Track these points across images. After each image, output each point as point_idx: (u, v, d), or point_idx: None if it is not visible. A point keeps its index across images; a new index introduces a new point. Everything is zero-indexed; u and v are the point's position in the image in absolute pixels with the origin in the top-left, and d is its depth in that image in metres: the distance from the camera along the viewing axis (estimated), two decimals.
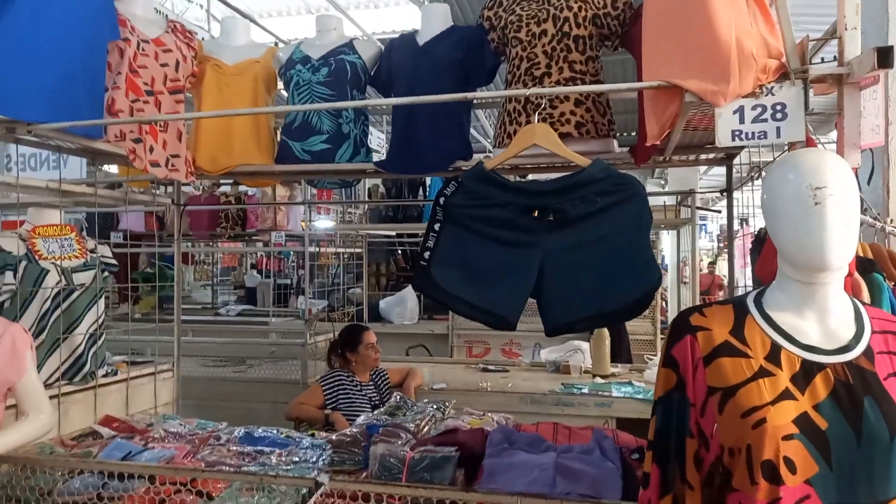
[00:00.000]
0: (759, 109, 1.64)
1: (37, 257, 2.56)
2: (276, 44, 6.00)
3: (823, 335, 1.21)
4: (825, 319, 1.22)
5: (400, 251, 7.83)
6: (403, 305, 6.32)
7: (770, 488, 1.11)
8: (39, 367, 2.38)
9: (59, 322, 2.53)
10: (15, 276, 2.49)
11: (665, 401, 1.28)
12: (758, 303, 1.28)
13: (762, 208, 1.29)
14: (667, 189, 9.81)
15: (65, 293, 2.57)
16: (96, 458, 2.09)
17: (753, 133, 1.64)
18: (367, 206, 6.30)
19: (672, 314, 6.32)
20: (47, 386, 2.36)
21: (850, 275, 1.49)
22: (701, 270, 10.48)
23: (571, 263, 1.86)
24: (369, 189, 6.73)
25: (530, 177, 3.17)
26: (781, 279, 1.27)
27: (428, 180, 6.65)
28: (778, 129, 1.62)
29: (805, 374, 1.17)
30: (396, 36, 2.91)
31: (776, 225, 1.24)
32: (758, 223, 2.31)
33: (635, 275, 1.82)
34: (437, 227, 2.00)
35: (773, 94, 1.64)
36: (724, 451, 1.18)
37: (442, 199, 2.00)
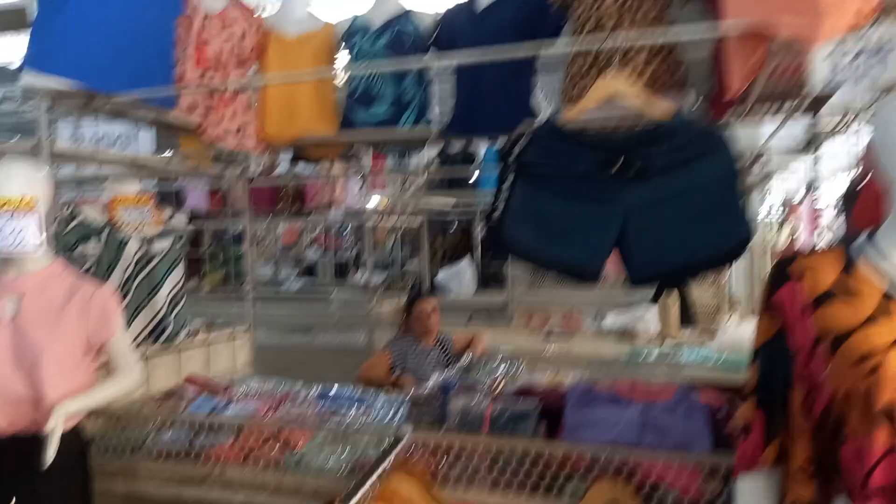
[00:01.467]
0: (858, 49, 1.54)
1: (116, 226, 2.67)
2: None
3: None
4: None
5: (457, 223, 7.82)
6: (460, 277, 6.34)
7: (889, 433, 1.07)
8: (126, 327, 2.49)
9: (142, 287, 2.63)
10: (97, 244, 2.60)
11: (767, 348, 1.25)
12: (866, 248, 1.22)
13: (871, 147, 1.23)
14: None
15: (145, 259, 2.66)
16: (184, 412, 2.18)
17: (851, 76, 1.55)
18: (425, 178, 6.31)
19: (736, 284, 6.14)
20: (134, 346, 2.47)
21: None
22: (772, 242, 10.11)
23: (655, 217, 1.80)
24: (427, 160, 6.72)
25: None
26: (894, 220, 1.20)
27: (480, 153, 6.61)
28: (879, 69, 1.53)
29: None
30: (453, 5, 2.88)
31: (891, 161, 1.18)
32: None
33: (724, 227, 1.76)
34: (506, 185, 1.92)
35: (869, 34, 1.54)
36: (836, 399, 1.14)
37: (512, 156, 1.93)
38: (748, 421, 1.26)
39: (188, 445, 2.01)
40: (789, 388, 1.21)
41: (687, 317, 4.60)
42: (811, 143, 2.51)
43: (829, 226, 3.63)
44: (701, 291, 5.55)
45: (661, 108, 1.88)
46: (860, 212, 1.69)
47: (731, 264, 1.84)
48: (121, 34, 2.22)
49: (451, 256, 7.33)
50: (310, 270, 8.44)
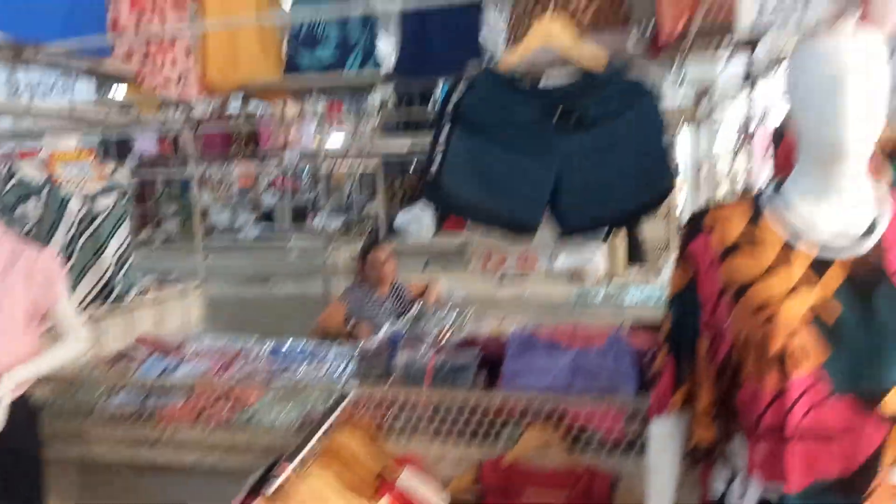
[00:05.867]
0: None
1: (57, 184, 2.60)
2: None
3: (839, 227, 1.19)
4: (842, 210, 1.20)
5: (415, 163, 7.75)
6: (419, 220, 6.34)
7: (780, 378, 1.15)
8: (71, 291, 2.47)
9: (87, 247, 2.60)
10: (38, 204, 2.54)
11: (679, 298, 1.32)
12: (773, 198, 1.27)
13: (784, 95, 1.26)
14: (683, 90, 9.52)
15: (88, 218, 2.62)
16: (135, 374, 2.21)
17: (776, 19, 1.58)
18: (379, 120, 6.21)
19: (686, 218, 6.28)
20: (80, 309, 2.46)
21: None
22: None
23: (588, 166, 1.84)
24: (381, 101, 6.61)
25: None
26: (800, 170, 1.25)
27: (438, 91, 6.51)
28: (801, 13, 1.55)
29: (818, 268, 1.17)
30: None
31: (797, 111, 1.22)
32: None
33: (649, 177, 1.82)
34: (444, 134, 1.88)
35: None
36: (736, 346, 1.22)
37: (451, 104, 1.88)
38: (661, 367, 1.35)
39: (139, 407, 2.05)
40: (697, 336, 1.29)
41: (636, 254, 4.73)
42: (748, 80, 2.55)
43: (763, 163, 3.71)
44: (651, 226, 5.68)
45: (594, 56, 1.88)
46: (782, 159, 1.75)
47: (650, 213, 1.92)
48: None
49: (410, 198, 7.31)
50: (267, 216, 8.35)
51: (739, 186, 3.02)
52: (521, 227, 1.93)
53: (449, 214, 2.06)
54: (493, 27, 2.74)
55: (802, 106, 1.20)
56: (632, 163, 1.82)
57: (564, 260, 4.17)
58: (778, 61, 2.31)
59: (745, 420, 1.21)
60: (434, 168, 1.89)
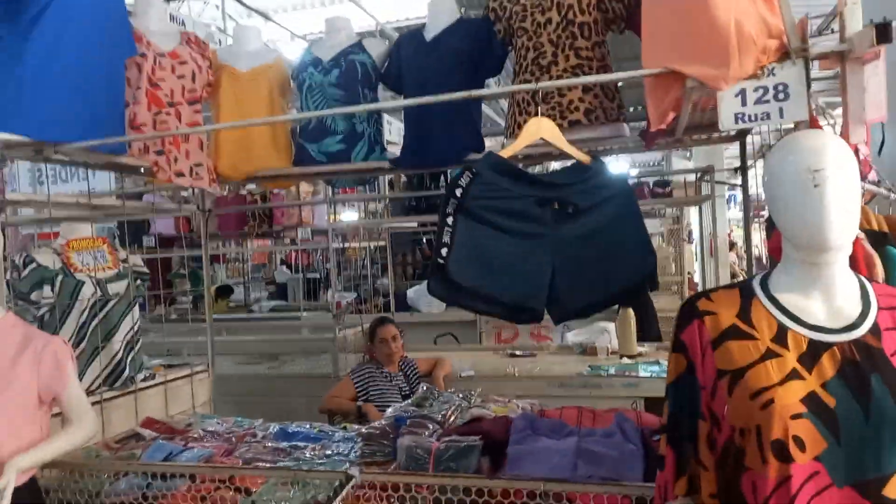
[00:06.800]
0: (761, 91, 1.64)
1: (72, 270, 2.68)
2: (292, 38, 6.08)
3: (829, 314, 1.23)
4: (830, 298, 1.23)
5: (425, 240, 7.89)
6: (429, 294, 6.37)
7: (780, 466, 1.14)
8: (81, 375, 2.50)
9: (98, 331, 2.64)
10: (53, 290, 2.61)
11: (676, 385, 1.32)
12: (764, 285, 1.30)
13: (764, 190, 1.31)
14: (692, 162, 9.69)
15: (101, 303, 2.68)
16: (140, 459, 2.20)
17: (756, 115, 1.65)
18: (388, 199, 6.36)
19: (702, 288, 6.28)
20: (89, 392, 2.47)
21: (858, 250, 1.50)
22: (735, 244, 10.35)
23: (578, 253, 1.92)
24: (391, 180, 6.79)
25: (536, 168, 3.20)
26: (786, 260, 1.29)
27: (449, 170, 6.67)
28: (781, 109, 1.63)
29: (812, 354, 1.19)
30: (404, 32, 2.95)
31: (777, 207, 1.26)
32: None
33: (634, 261, 1.95)
34: (449, 220, 1.95)
35: (774, 75, 1.64)
36: (735, 432, 1.22)
37: (458, 190, 1.95)
38: (663, 455, 1.33)
39: (142, 494, 2.03)
40: (697, 422, 1.28)
41: (651, 330, 4.70)
42: (741, 168, 2.64)
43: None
44: (667, 300, 5.68)
45: (592, 140, 2.01)
46: (774, 243, 1.78)
47: (638, 296, 2.01)
48: (73, 84, 2.23)
49: (421, 273, 7.39)
50: (281, 290, 8.45)
51: (747, 262, 3.05)
52: (528, 314, 1.98)
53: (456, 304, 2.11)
54: (501, 112, 2.85)
55: (783, 201, 1.24)
56: (617, 249, 1.93)
57: (575, 336, 4.16)
58: (766, 151, 2.39)
59: None
60: (443, 254, 1.93)
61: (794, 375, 1.18)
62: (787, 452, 1.14)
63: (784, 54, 1.63)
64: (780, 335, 1.22)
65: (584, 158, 2.00)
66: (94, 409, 2.13)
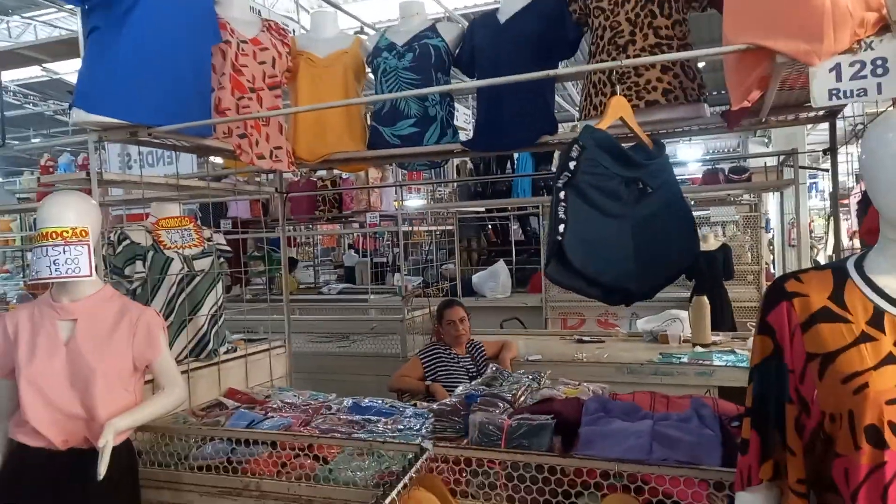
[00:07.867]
0: (858, 66, 1.57)
1: (161, 247, 2.83)
2: (363, 29, 6.18)
3: None
4: None
5: (490, 226, 7.89)
6: (496, 279, 6.41)
7: (874, 452, 1.10)
8: (170, 345, 2.64)
9: (185, 305, 2.79)
10: (144, 265, 2.76)
11: (762, 367, 1.28)
12: (859, 266, 1.25)
13: (861, 169, 1.26)
14: (771, 148, 9.29)
15: (188, 279, 2.82)
16: (224, 426, 2.32)
17: (852, 91, 1.57)
18: (455, 184, 6.40)
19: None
20: (177, 363, 2.62)
21: None
22: (812, 232, 9.88)
23: (649, 234, 1.96)
24: (457, 166, 6.82)
25: None
26: (884, 242, 1.24)
27: (515, 155, 6.65)
28: (879, 85, 1.55)
29: None
30: (478, 15, 2.95)
31: (876, 186, 1.21)
32: None
33: (689, 243, 2.04)
34: (562, 195, 1.89)
35: (872, 49, 1.56)
36: (825, 417, 1.18)
37: (572, 163, 1.89)
38: (746, 439, 1.31)
39: (227, 458, 2.15)
40: (784, 405, 1.25)
41: (726, 320, 4.58)
42: (829, 150, 2.51)
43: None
44: (742, 290, 5.50)
45: (669, 122, 2.10)
46: (868, 225, 1.71)
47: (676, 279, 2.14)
48: (163, 71, 2.36)
49: (487, 259, 7.41)
50: (349, 274, 8.63)
51: (830, 250, 2.93)
52: (620, 295, 2.01)
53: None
54: (569, 99, 2.83)
55: (884, 180, 1.19)
56: (674, 230, 2.00)
57: (645, 323, 4.09)
58: (861, 130, 2.28)
59: (842, 494, 1.16)
60: (559, 236, 1.88)
61: (890, 360, 1.13)
62: (882, 438, 1.10)
63: (883, 27, 1.55)
64: (877, 318, 1.18)
65: (649, 142, 2.03)
66: (183, 377, 2.26)
